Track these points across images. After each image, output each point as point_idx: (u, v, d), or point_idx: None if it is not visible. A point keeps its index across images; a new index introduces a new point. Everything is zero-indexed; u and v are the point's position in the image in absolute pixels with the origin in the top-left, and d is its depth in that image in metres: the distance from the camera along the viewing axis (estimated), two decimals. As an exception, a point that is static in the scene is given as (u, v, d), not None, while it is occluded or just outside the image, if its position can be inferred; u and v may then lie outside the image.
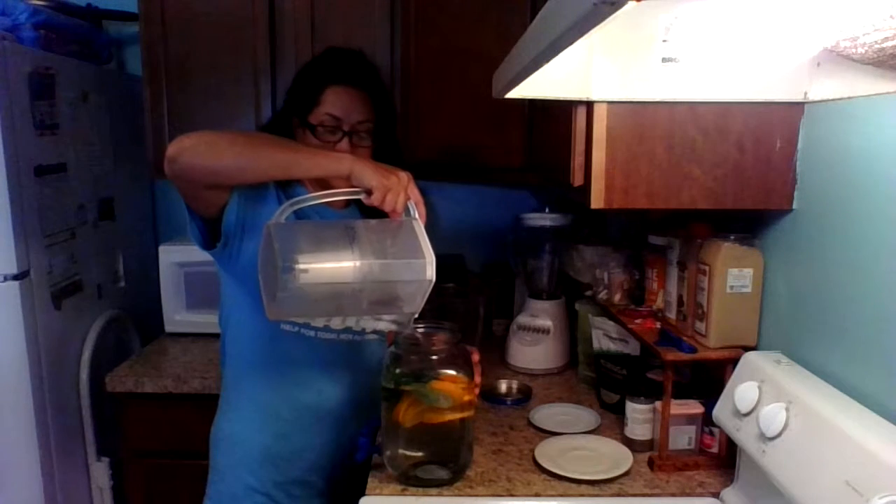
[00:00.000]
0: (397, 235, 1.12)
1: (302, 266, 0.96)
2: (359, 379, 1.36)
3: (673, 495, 1.17)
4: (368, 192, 1.10)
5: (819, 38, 0.83)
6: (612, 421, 1.45)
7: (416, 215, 1.14)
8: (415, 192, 1.16)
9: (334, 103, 1.28)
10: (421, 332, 1.23)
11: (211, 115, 1.95)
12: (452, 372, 1.17)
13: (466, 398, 1.18)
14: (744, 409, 1.02)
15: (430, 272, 1.05)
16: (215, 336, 1.44)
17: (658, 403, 1.27)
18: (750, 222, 1.25)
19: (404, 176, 1.14)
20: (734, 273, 1.18)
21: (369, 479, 1.20)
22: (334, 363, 1.33)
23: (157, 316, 2.09)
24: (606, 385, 1.54)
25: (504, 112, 1.66)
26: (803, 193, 1.11)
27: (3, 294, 1.61)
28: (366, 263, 1.01)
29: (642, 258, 1.47)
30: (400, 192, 1.12)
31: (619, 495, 1.17)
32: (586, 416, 1.48)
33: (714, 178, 1.12)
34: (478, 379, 1.24)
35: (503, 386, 1.67)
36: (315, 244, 1.03)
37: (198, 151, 1.11)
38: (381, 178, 1.10)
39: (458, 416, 1.17)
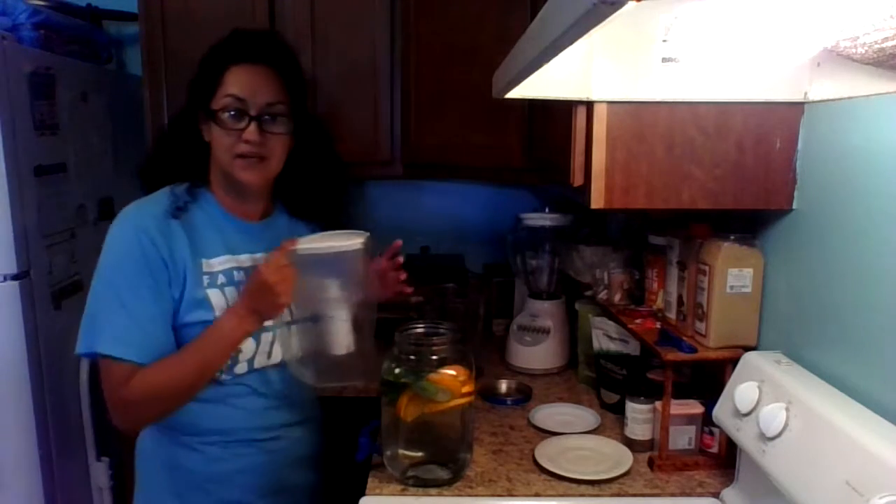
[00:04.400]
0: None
1: None
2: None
3: (673, 495, 1.17)
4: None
5: (819, 38, 0.83)
6: (612, 421, 1.45)
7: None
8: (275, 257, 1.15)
9: (236, 83, 1.15)
10: (421, 332, 1.23)
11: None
12: (452, 372, 1.17)
13: (465, 389, 1.17)
14: (744, 409, 1.02)
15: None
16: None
17: (658, 403, 1.27)
18: (750, 222, 1.25)
19: (263, 269, 1.13)
20: (734, 273, 1.18)
21: (369, 479, 1.20)
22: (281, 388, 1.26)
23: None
24: (606, 385, 1.54)
25: (504, 112, 1.66)
26: (803, 193, 1.11)
27: (3, 294, 1.61)
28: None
29: (642, 258, 1.47)
30: (272, 272, 1.12)
31: (619, 495, 1.17)
32: (586, 416, 1.48)
33: (714, 178, 1.12)
34: (406, 288, 1.28)
35: (503, 386, 1.67)
36: None
37: (147, 421, 1.20)
38: (263, 293, 1.12)
39: (458, 402, 1.17)
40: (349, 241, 1.15)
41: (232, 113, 1.15)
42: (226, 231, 1.23)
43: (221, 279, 1.19)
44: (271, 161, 1.20)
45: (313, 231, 1.26)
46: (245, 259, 1.23)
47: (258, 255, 1.23)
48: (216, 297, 1.17)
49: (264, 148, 1.17)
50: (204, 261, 1.18)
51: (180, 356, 1.15)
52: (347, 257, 1.15)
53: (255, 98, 1.15)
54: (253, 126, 1.15)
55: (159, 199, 1.19)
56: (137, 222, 1.14)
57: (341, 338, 1.19)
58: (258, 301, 1.14)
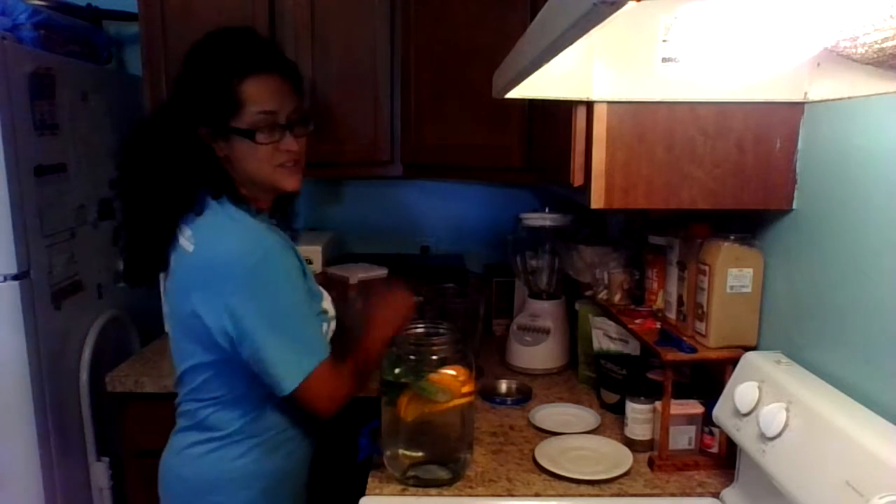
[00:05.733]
0: None
1: None
2: None
3: (673, 495, 1.17)
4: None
5: (819, 38, 0.83)
6: (612, 421, 1.45)
7: None
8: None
9: (261, 98, 1.12)
10: (421, 332, 1.23)
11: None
12: (452, 372, 1.17)
13: (465, 389, 1.18)
14: (744, 409, 1.02)
15: None
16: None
17: (658, 403, 1.27)
18: (750, 222, 1.25)
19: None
20: (734, 273, 1.18)
21: (369, 479, 1.20)
22: None
23: (157, 316, 2.09)
24: (606, 385, 1.54)
25: (504, 112, 1.66)
26: (803, 193, 1.11)
27: (3, 294, 1.61)
28: None
29: (642, 258, 1.47)
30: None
31: (619, 495, 1.17)
32: (586, 416, 1.48)
33: (714, 178, 1.12)
34: None
35: (503, 386, 1.67)
36: None
37: (343, 402, 1.19)
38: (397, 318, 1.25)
39: (458, 402, 1.17)
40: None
41: (267, 127, 1.14)
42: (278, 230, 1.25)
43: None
44: (302, 162, 1.22)
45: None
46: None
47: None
48: (318, 287, 1.26)
49: (300, 152, 1.19)
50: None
51: (358, 358, 1.21)
52: None
53: (283, 108, 1.15)
54: (289, 136, 1.16)
55: (240, 216, 1.15)
56: (271, 240, 1.13)
57: None
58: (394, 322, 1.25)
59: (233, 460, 1.19)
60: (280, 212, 1.32)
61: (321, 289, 1.27)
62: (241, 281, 1.09)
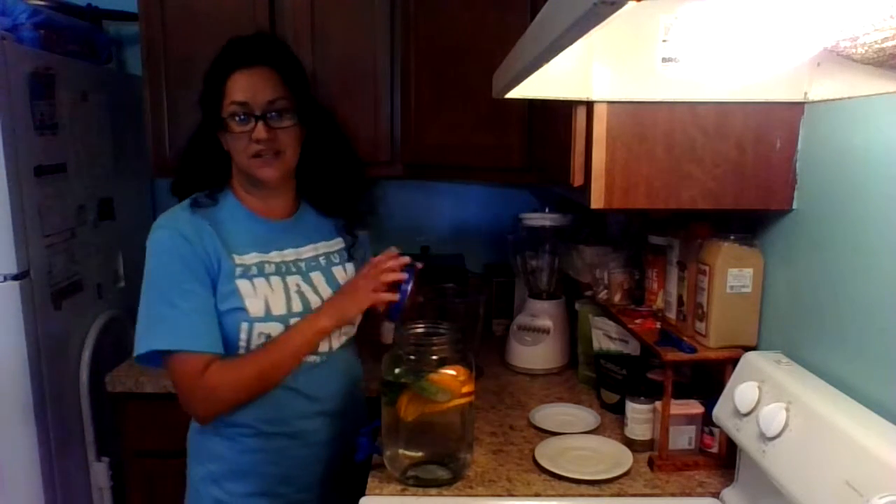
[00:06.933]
0: None
1: None
2: (331, 395, 1.33)
3: (673, 495, 1.17)
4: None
5: (819, 38, 0.83)
6: (612, 421, 1.45)
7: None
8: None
9: (237, 89, 1.19)
10: (421, 332, 1.23)
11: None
12: (452, 372, 1.17)
13: (465, 389, 1.17)
14: (744, 409, 1.02)
15: None
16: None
17: (658, 403, 1.27)
18: (750, 222, 1.25)
19: (370, 268, 1.27)
20: (734, 273, 1.18)
21: (369, 479, 1.20)
22: (307, 379, 1.29)
23: (157, 316, 2.09)
24: (606, 385, 1.54)
25: (504, 112, 1.66)
26: (803, 193, 1.11)
27: (3, 294, 1.61)
28: None
29: (642, 258, 1.47)
30: (378, 274, 1.25)
31: (619, 495, 1.17)
32: (586, 416, 1.48)
33: (714, 178, 1.12)
34: (403, 259, 1.28)
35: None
36: None
37: (225, 412, 1.23)
38: (359, 297, 1.25)
39: (458, 402, 1.17)
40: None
41: (239, 117, 1.19)
42: (253, 230, 1.28)
43: (253, 270, 1.24)
44: (286, 154, 1.24)
45: (339, 226, 1.38)
46: (274, 255, 1.27)
47: (287, 251, 1.29)
48: (244, 286, 1.22)
49: (276, 143, 1.21)
50: (235, 256, 1.23)
51: (261, 348, 1.22)
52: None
53: (256, 99, 1.19)
54: (260, 125, 1.19)
55: (184, 205, 1.25)
56: (170, 225, 1.21)
57: None
58: (343, 299, 1.27)
59: (198, 432, 1.31)
60: (318, 203, 1.37)
61: (249, 288, 1.22)
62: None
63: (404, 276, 1.26)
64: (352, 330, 1.36)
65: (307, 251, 1.32)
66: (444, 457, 1.21)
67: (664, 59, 1.00)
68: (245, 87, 1.19)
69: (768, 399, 0.98)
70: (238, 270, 1.22)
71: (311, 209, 1.37)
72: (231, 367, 1.20)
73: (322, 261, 1.33)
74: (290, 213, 1.34)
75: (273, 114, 1.20)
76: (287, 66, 1.24)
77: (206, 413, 1.23)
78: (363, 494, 1.16)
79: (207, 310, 1.19)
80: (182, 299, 1.17)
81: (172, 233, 1.19)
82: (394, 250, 1.30)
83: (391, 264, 1.26)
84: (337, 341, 1.31)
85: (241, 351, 1.22)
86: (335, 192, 1.37)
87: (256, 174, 1.23)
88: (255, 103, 1.19)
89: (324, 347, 1.29)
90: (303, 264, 1.30)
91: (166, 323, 1.17)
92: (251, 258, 1.24)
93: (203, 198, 1.26)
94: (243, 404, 1.23)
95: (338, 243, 1.38)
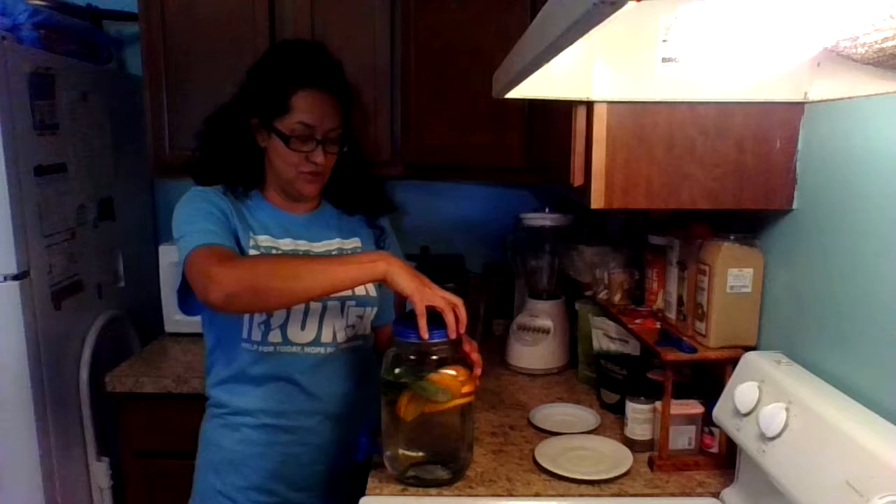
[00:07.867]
0: None
1: None
2: (334, 391, 1.35)
3: (673, 495, 1.17)
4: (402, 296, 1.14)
5: (819, 38, 0.83)
6: (612, 421, 1.45)
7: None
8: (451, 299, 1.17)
9: (306, 110, 1.24)
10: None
11: (211, 116, 1.94)
12: (452, 372, 1.17)
13: (465, 389, 1.17)
14: (744, 409, 1.02)
15: None
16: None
17: (658, 403, 1.27)
18: (750, 222, 1.25)
19: (447, 295, 1.17)
20: (734, 273, 1.18)
21: (369, 479, 1.20)
22: (310, 375, 1.32)
23: (157, 316, 2.09)
24: (606, 385, 1.54)
25: (504, 112, 1.66)
26: (803, 193, 1.11)
27: (3, 294, 1.61)
28: None
29: (642, 258, 1.47)
30: (435, 297, 1.14)
31: (619, 495, 1.17)
32: (586, 416, 1.48)
33: (714, 178, 1.12)
34: (478, 371, 1.17)
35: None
36: None
37: (244, 301, 1.14)
38: (417, 284, 1.13)
39: (458, 402, 1.17)
40: None
41: (301, 138, 1.25)
42: (273, 217, 1.33)
43: (262, 251, 1.28)
44: (327, 174, 1.32)
45: (359, 221, 1.42)
46: (286, 243, 1.32)
47: (301, 242, 1.33)
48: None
49: (326, 166, 1.30)
50: (251, 234, 1.28)
51: (296, 259, 1.24)
52: None
53: (321, 124, 1.26)
54: (319, 149, 1.26)
55: (216, 187, 1.31)
56: (202, 191, 1.29)
57: None
58: (411, 269, 1.15)
59: (206, 420, 1.38)
60: (338, 201, 1.41)
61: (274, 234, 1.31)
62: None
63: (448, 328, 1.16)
64: (361, 328, 1.37)
65: (320, 247, 1.35)
66: (444, 457, 1.21)
67: (664, 59, 1.00)
68: (312, 110, 1.25)
69: (768, 399, 0.98)
70: (251, 243, 1.27)
71: (332, 208, 1.41)
72: (252, 257, 1.24)
73: (334, 255, 1.35)
74: (310, 210, 1.39)
75: (331, 141, 1.28)
76: (346, 94, 1.31)
77: (222, 287, 1.10)
78: (363, 494, 1.16)
79: (231, 234, 1.24)
80: (207, 222, 1.22)
81: (206, 191, 1.28)
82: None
83: (455, 316, 1.16)
84: (342, 333, 1.33)
85: (243, 335, 1.28)
86: (354, 190, 1.41)
87: (301, 189, 1.30)
88: (320, 128, 1.25)
89: (328, 338, 1.31)
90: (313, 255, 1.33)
91: (200, 230, 1.20)
92: (263, 240, 1.29)
93: (236, 189, 1.31)
94: (258, 304, 1.16)
95: (354, 242, 1.40)
